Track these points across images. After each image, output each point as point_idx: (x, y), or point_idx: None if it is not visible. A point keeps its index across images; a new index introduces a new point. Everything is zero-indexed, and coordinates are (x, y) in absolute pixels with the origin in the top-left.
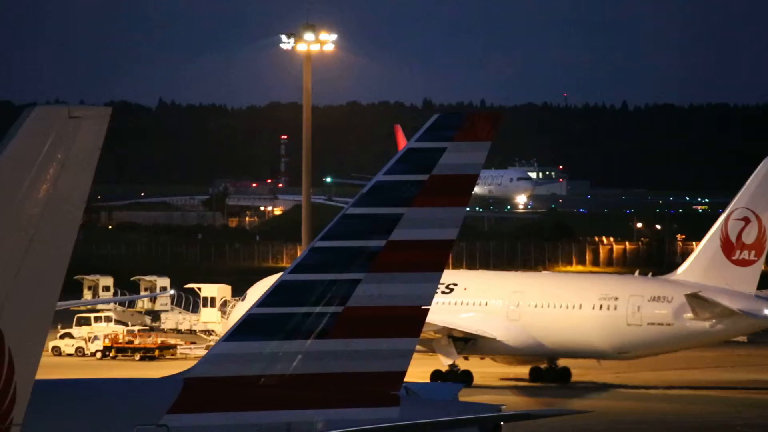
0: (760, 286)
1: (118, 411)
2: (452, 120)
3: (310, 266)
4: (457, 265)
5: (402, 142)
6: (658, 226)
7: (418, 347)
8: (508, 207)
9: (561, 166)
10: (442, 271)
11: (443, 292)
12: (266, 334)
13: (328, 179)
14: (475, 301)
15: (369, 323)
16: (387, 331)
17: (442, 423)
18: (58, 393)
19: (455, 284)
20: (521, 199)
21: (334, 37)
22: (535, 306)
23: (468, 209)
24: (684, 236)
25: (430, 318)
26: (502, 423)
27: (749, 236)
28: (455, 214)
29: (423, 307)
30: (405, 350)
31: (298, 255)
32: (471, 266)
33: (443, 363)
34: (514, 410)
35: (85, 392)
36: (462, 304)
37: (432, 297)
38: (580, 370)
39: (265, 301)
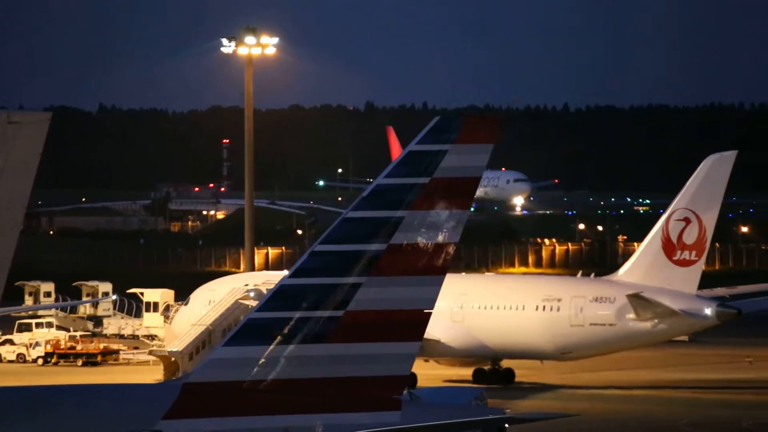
0: (701, 286)
1: (112, 417)
2: (453, 122)
3: (310, 270)
4: None
5: (394, 144)
6: (600, 228)
7: None
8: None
9: (503, 168)
10: (444, 274)
11: None
12: (266, 339)
13: (321, 182)
14: None
15: (370, 327)
16: (388, 335)
17: (437, 426)
18: (50, 399)
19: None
20: (518, 201)
21: (275, 40)
22: (479, 308)
23: None
24: (625, 237)
25: None
26: (507, 425)
27: (690, 236)
28: (458, 217)
29: (425, 311)
30: (407, 354)
31: (242, 259)
32: None
33: None
34: (516, 413)
35: (79, 398)
36: None
37: (434, 300)
38: (524, 371)
39: (264, 305)
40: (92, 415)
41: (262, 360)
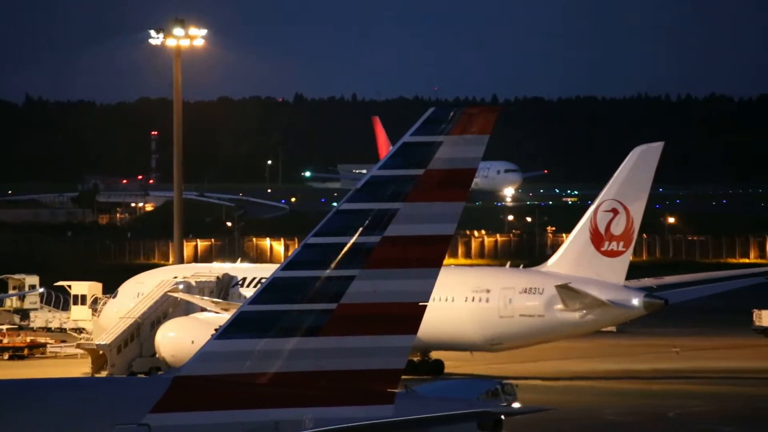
0: (628, 277)
1: (99, 410)
2: (448, 114)
3: (303, 263)
4: None
5: (381, 135)
6: (529, 219)
7: None
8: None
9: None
10: (439, 266)
11: None
12: (258, 332)
13: (308, 173)
14: None
15: (363, 320)
16: (382, 328)
17: (427, 420)
18: (39, 392)
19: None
20: (509, 192)
21: (204, 32)
22: None
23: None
24: (554, 228)
25: None
26: (503, 417)
27: (618, 227)
28: (453, 209)
29: (420, 304)
30: (401, 347)
31: (170, 251)
32: None
33: None
34: (509, 407)
35: (68, 391)
36: None
37: (429, 293)
38: (453, 362)
39: (257, 298)
40: (76, 409)
41: (254, 353)
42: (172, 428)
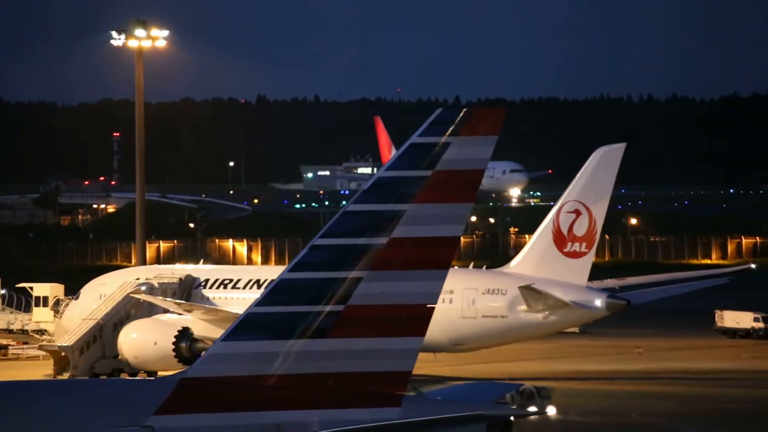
0: (591, 278)
1: (102, 412)
2: (456, 115)
3: (310, 264)
4: None
5: (382, 135)
6: (492, 220)
7: None
8: (344, 202)
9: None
10: (447, 268)
11: None
12: (264, 334)
13: (309, 174)
14: None
15: (371, 322)
16: (390, 331)
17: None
18: (42, 394)
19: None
20: (515, 192)
21: (165, 33)
22: None
23: (304, 206)
24: (517, 229)
25: None
26: (513, 418)
27: (580, 228)
28: (460, 211)
29: (428, 306)
30: (409, 350)
31: (133, 253)
32: None
33: None
34: (518, 410)
35: (71, 393)
36: None
37: (437, 295)
38: (417, 363)
39: (263, 299)
40: (79, 411)
41: (261, 355)
42: (176, 430)
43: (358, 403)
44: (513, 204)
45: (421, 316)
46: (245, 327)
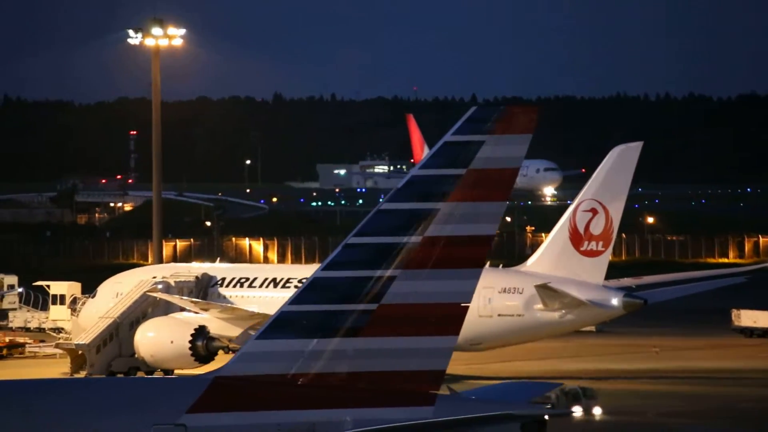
0: (607, 277)
1: (137, 410)
2: (490, 113)
3: (343, 263)
4: (309, 260)
5: (415, 132)
6: (508, 219)
7: None
8: (360, 201)
9: (412, 159)
10: (481, 267)
11: (296, 287)
12: (298, 332)
13: (342, 172)
14: None
15: (404, 321)
16: (423, 329)
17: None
18: (77, 391)
19: (308, 278)
20: (548, 191)
21: (182, 31)
22: None
23: (320, 204)
24: (533, 228)
25: None
26: (547, 417)
27: (597, 227)
28: (494, 209)
29: (462, 305)
30: (443, 348)
31: (149, 251)
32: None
33: None
34: (551, 409)
35: (106, 391)
36: None
37: (471, 294)
38: None
39: (297, 298)
40: (114, 408)
41: (294, 354)
42: (208, 428)
43: (391, 403)
44: (530, 202)
45: (455, 315)
46: (279, 325)
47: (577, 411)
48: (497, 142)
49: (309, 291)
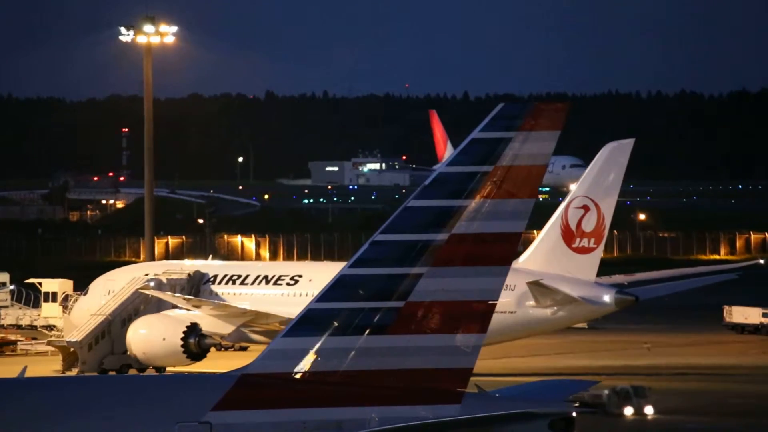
0: (599, 273)
1: (161, 408)
2: (518, 109)
3: (370, 260)
4: (301, 257)
5: (438, 129)
6: None
7: (262, 339)
8: (352, 198)
9: (404, 156)
10: (509, 264)
11: (288, 284)
12: (325, 330)
13: (334, 169)
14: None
15: (431, 318)
16: (451, 327)
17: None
18: (101, 389)
19: (300, 276)
20: (574, 187)
21: (174, 29)
22: None
23: (312, 201)
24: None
25: (276, 309)
26: (575, 414)
27: (589, 224)
28: (522, 206)
29: (490, 302)
30: (471, 346)
31: (141, 248)
32: (316, 258)
33: None
34: (575, 407)
35: (130, 388)
36: (307, 295)
37: (499, 291)
38: None
39: (324, 295)
40: (139, 406)
41: (321, 351)
42: (233, 426)
43: (417, 401)
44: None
45: (483, 312)
46: (305, 323)
47: (649, 410)
48: (525, 139)
49: (335, 288)
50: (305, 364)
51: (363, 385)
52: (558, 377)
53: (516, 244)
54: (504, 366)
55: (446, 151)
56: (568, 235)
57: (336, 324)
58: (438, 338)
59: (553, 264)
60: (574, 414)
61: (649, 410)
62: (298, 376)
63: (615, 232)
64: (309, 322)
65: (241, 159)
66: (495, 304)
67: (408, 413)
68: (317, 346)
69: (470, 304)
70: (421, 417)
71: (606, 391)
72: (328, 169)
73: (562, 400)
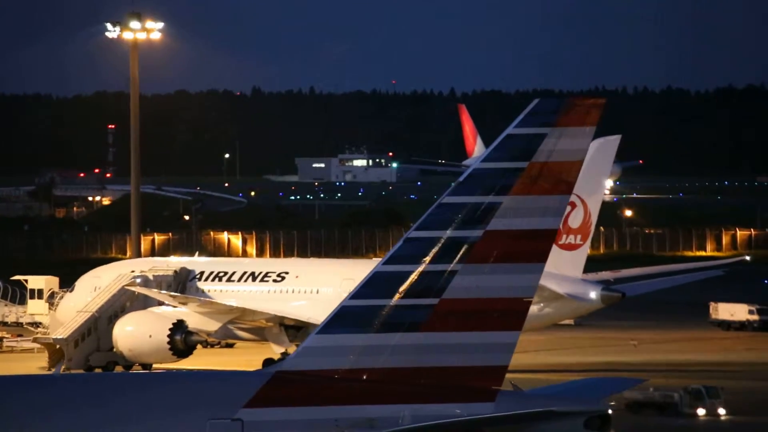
0: (586, 270)
1: (193, 404)
2: (553, 105)
3: (404, 257)
4: (288, 254)
5: (467, 123)
6: None
7: (248, 335)
8: (339, 195)
9: (391, 153)
10: (544, 261)
11: (275, 280)
12: (358, 327)
13: (394, 165)
14: (306, 289)
15: (466, 316)
16: (485, 324)
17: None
18: (133, 385)
19: (287, 272)
20: (608, 183)
21: (160, 25)
22: None
23: (299, 197)
24: None
25: (262, 306)
26: (610, 412)
27: (575, 221)
28: (557, 203)
29: (525, 299)
30: (505, 344)
31: (128, 245)
32: (302, 254)
33: (275, 351)
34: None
35: (162, 385)
36: (293, 292)
37: (534, 288)
38: None
39: (357, 293)
40: (171, 402)
41: (355, 348)
42: (265, 423)
43: (451, 398)
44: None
45: (518, 310)
46: (339, 320)
47: (722, 411)
48: (560, 135)
49: (369, 285)
50: (339, 362)
51: (396, 383)
52: (547, 374)
53: (551, 241)
54: None
55: (476, 146)
56: None
57: (369, 321)
58: (472, 336)
59: None
60: (609, 412)
61: (721, 411)
62: (331, 373)
63: (601, 228)
64: (342, 320)
65: (227, 155)
66: (530, 302)
67: (441, 411)
68: (350, 343)
69: (505, 302)
70: (454, 415)
71: (678, 392)
72: (315, 165)
73: (599, 399)
